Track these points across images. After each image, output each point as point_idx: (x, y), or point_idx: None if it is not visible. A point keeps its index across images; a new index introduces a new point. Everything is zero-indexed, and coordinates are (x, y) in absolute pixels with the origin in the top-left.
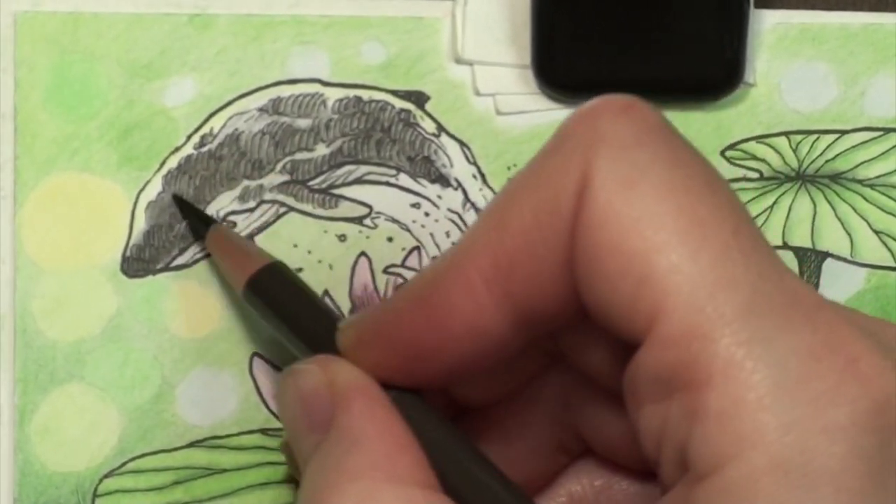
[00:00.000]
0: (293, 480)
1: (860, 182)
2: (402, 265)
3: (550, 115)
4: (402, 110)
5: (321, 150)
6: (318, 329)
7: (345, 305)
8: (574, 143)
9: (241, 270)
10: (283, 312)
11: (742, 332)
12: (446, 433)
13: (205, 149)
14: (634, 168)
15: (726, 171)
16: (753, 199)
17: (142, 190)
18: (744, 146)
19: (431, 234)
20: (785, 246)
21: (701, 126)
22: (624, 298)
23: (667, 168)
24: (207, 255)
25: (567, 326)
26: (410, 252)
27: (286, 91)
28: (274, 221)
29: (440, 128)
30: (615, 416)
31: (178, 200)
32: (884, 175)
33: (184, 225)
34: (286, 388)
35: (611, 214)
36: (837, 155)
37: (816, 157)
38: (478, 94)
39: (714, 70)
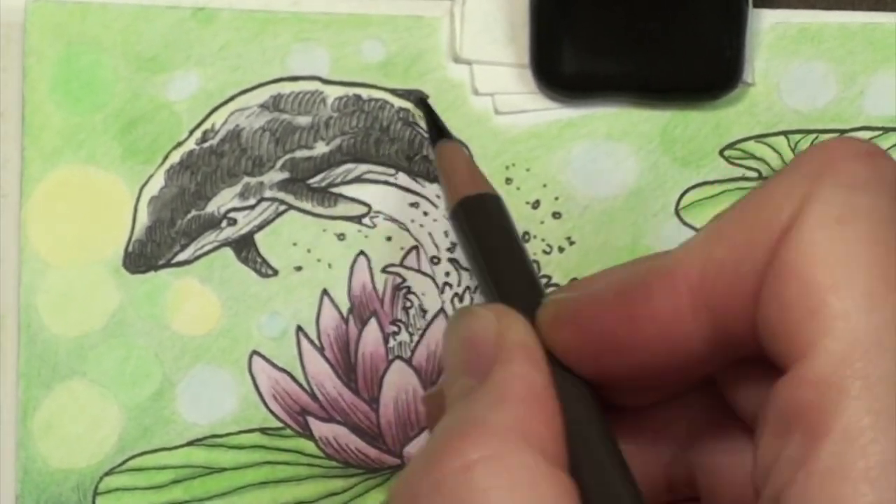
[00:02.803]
0: (292, 480)
1: None
2: (401, 264)
3: (549, 114)
4: (401, 109)
5: (321, 149)
6: (510, 275)
7: (343, 304)
8: (805, 169)
9: (455, 191)
10: (481, 244)
11: (878, 401)
12: (595, 420)
13: (206, 144)
14: (851, 209)
15: (725, 170)
16: None
17: (145, 184)
18: (743, 145)
19: (430, 234)
20: None
21: (700, 125)
22: (790, 324)
23: (882, 221)
24: (208, 252)
25: (748, 356)
26: (409, 251)
27: (287, 88)
28: (274, 219)
29: None
30: (735, 470)
31: (424, 105)
32: None
33: (185, 220)
34: (457, 326)
35: (811, 243)
36: None
37: None
38: (476, 93)
39: (713, 69)
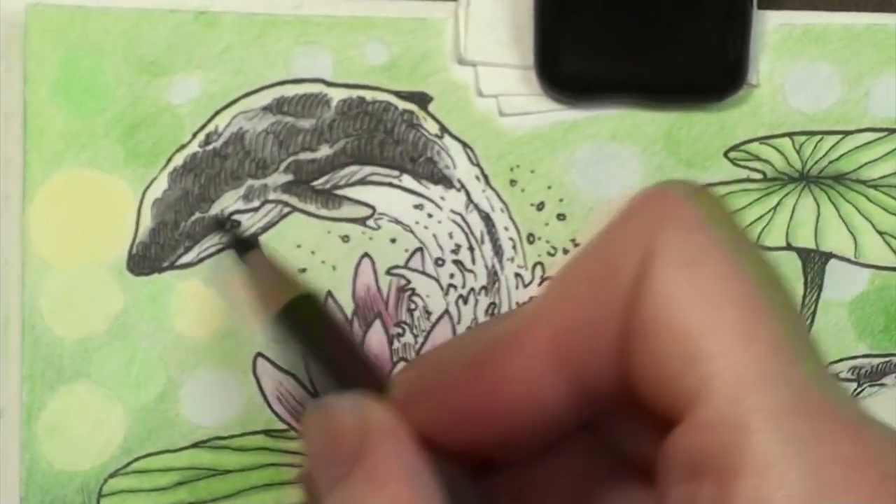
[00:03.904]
0: (295, 482)
1: (864, 183)
2: (405, 266)
3: (553, 116)
4: (406, 111)
5: (325, 151)
6: (350, 366)
7: (347, 306)
8: (640, 219)
9: (275, 298)
10: (313, 345)
11: (781, 430)
12: (470, 492)
13: (210, 147)
14: (698, 251)
15: (729, 172)
16: (757, 200)
17: (148, 187)
18: (747, 147)
19: (434, 236)
20: (789, 247)
21: (704, 127)
22: (669, 375)
23: (729, 255)
24: (212, 254)
25: (616, 407)
26: (413, 253)
27: (290, 91)
28: (278, 221)
29: (443, 129)
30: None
31: (220, 222)
32: (888, 176)
33: (189, 223)
34: (316, 418)
35: (669, 291)
36: (841, 156)
37: (820, 158)
38: (481, 95)
39: (717, 71)
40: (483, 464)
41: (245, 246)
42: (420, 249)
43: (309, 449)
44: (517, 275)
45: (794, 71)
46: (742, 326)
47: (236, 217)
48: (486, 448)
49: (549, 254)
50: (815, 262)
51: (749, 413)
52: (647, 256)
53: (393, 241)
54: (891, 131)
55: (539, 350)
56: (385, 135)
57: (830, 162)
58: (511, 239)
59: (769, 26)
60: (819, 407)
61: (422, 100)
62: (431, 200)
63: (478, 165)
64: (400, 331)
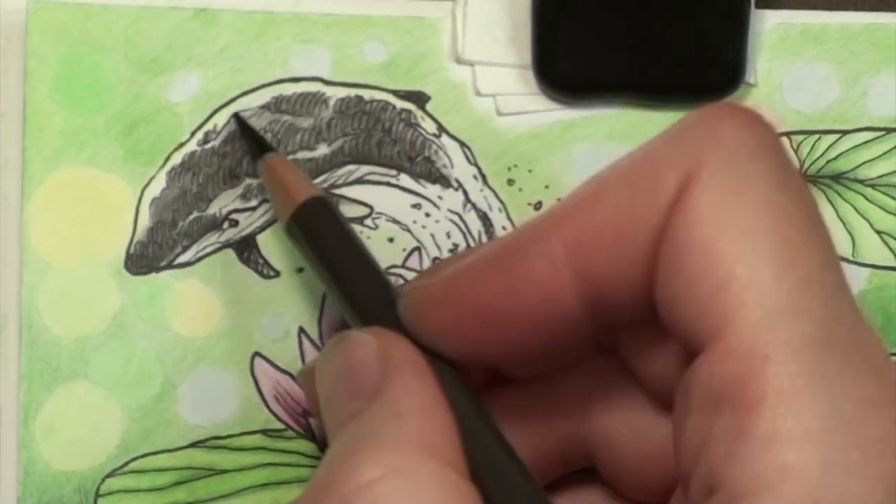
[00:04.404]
0: (294, 481)
1: (862, 182)
2: (403, 266)
3: (551, 115)
4: (403, 110)
5: (322, 150)
6: (358, 275)
7: None
8: (690, 138)
9: (286, 204)
10: (324, 254)
11: (805, 364)
12: (479, 417)
13: (208, 145)
14: (744, 178)
15: None
16: None
17: (146, 186)
18: None
19: (432, 235)
20: None
21: None
22: (698, 300)
23: (774, 187)
24: (210, 254)
25: (633, 322)
26: (411, 253)
27: (288, 89)
28: (276, 220)
29: (441, 128)
30: (633, 440)
31: (239, 120)
32: (886, 175)
33: (187, 222)
34: (334, 353)
35: (709, 215)
36: (839, 155)
37: (818, 158)
38: (478, 94)
39: (715, 70)
40: (493, 377)
41: (260, 148)
42: (418, 249)
43: (327, 381)
44: None
45: (792, 70)
46: (776, 259)
47: (234, 216)
48: (498, 355)
49: None
50: None
51: (773, 345)
52: (691, 177)
53: (390, 240)
54: (889, 130)
55: (563, 250)
56: (383, 134)
57: (828, 161)
58: None
59: (767, 25)
60: (845, 344)
61: (419, 99)
62: (429, 200)
63: (475, 165)
64: None
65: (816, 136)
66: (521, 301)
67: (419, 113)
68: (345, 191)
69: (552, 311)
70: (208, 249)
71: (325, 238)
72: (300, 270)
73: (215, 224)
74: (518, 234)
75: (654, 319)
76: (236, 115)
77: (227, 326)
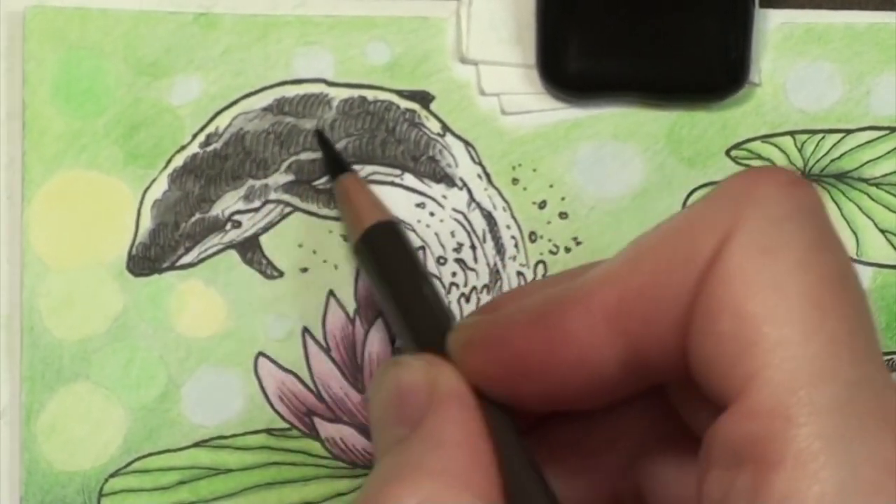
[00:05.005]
0: (298, 481)
1: (866, 181)
2: None
3: (555, 114)
4: (407, 110)
5: None
6: (418, 302)
7: (350, 305)
8: (728, 199)
9: (357, 225)
10: (387, 275)
11: (826, 427)
12: (524, 460)
13: (210, 148)
14: (778, 239)
15: (732, 170)
16: None
17: (148, 188)
18: (749, 146)
19: (436, 234)
20: None
21: (706, 126)
22: (725, 359)
23: (808, 249)
24: (213, 254)
25: (671, 382)
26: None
27: (291, 91)
28: (279, 221)
29: (445, 127)
30: (684, 482)
31: (320, 136)
32: (889, 174)
33: (189, 223)
34: (386, 377)
35: (740, 275)
36: (843, 154)
37: (822, 157)
38: (483, 93)
39: (719, 70)
40: (541, 415)
41: (339, 167)
42: (422, 248)
43: (376, 404)
44: (519, 273)
45: (796, 69)
46: (805, 320)
47: (237, 217)
48: (537, 402)
49: (552, 252)
50: None
51: (796, 407)
52: (727, 238)
53: None
54: (892, 130)
55: (603, 311)
56: (387, 134)
57: (832, 160)
58: (513, 237)
59: (771, 25)
60: (869, 407)
61: (423, 99)
62: (433, 199)
63: (480, 164)
64: None
65: (820, 135)
66: (560, 358)
67: (423, 113)
68: None
69: (590, 369)
70: (211, 250)
71: (390, 261)
72: (304, 270)
73: (218, 225)
74: (561, 289)
75: (690, 378)
76: (318, 132)
77: (231, 327)
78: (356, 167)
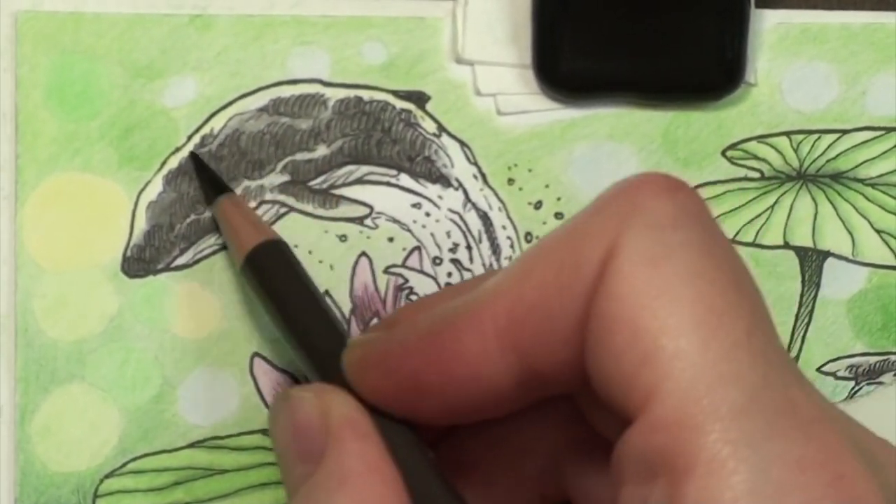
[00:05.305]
0: None
1: (862, 181)
2: (403, 265)
3: (551, 115)
4: (403, 110)
5: (322, 151)
6: (309, 321)
7: (345, 305)
8: (610, 211)
9: (241, 245)
10: (276, 296)
11: (732, 431)
12: (431, 476)
13: (205, 149)
14: (664, 248)
15: (727, 170)
16: (754, 198)
17: (142, 190)
18: (745, 146)
19: (432, 235)
20: (786, 245)
21: (702, 126)
22: (624, 374)
23: (696, 255)
24: (208, 255)
25: (568, 392)
26: (411, 252)
27: (287, 91)
28: (275, 222)
29: (441, 128)
30: (607, 484)
31: (195, 159)
32: (885, 174)
33: (184, 225)
34: (279, 413)
35: (630, 288)
36: (839, 154)
37: (818, 157)
38: (478, 94)
39: (715, 70)
40: (448, 428)
41: (216, 189)
42: (418, 248)
43: (275, 443)
44: None
45: (792, 69)
46: (700, 327)
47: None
48: (434, 417)
49: None
50: (812, 260)
51: (701, 414)
52: (612, 249)
53: (390, 240)
54: (888, 130)
55: (493, 327)
56: (382, 134)
57: (828, 160)
58: (509, 238)
59: (767, 25)
60: (774, 407)
61: (419, 99)
62: (429, 199)
63: (475, 164)
64: None
65: (816, 135)
66: (453, 375)
67: (419, 113)
68: (345, 191)
69: (484, 384)
70: (206, 251)
71: (277, 282)
72: None
73: (213, 226)
74: (451, 307)
75: (588, 387)
76: (192, 154)
77: (226, 327)
78: (352, 167)
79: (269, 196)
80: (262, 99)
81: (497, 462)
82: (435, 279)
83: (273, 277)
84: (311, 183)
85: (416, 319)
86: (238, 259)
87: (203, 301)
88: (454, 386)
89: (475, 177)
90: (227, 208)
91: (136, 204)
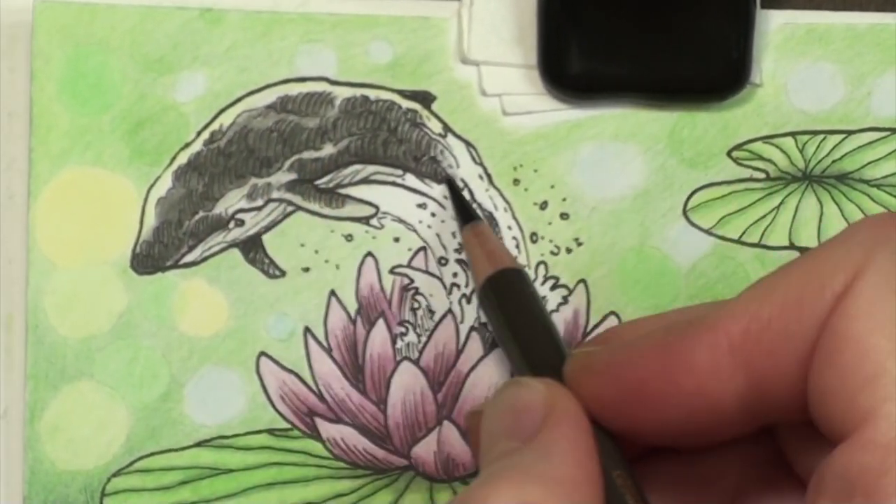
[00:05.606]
0: (300, 481)
1: (867, 182)
2: (409, 265)
3: (556, 115)
4: (409, 110)
5: (328, 150)
6: (540, 345)
7: (351, 305)
8: (857, 239)
9: (482, 270)
10: (509, 319)
11: None
12: (631, 486)
13: (214, 145)
14: None
15: (733, 171)
16: (760, 199)
17: (152, 185)
18: (750, 146)
19: (438, 235)
20: (791, 246)
21: (707, 126)
22: (847, 392)
23: None
24: (216, 253)
25: (782, 421)
26: (416, 252)
27: (294, 89)
28: (281, 220)
29: (446, 128)
30: None
31: (451, 185)
32: (890, 175)
33: (193, 221)
34: (505, 393)
35: (867, 309)
36: (844, 155)
37: (823, 158)
38: (484, 94)
39: (721, 70)
40: (646, 448)
41: (468, 216)
42: (423, 249)
43: (490, 420)
44: None
45: (798, 70)
46: None
47: (240, 216)
48: (649, 432)
49: (553, 253)
50: None
51: None
52: (857, 275)
53: (396, 240)
54: (893, 131)
55: (727, 343)
56: (388, 133)
57: (833, 161)
58: (514, 238)
59: (772, 25)
60: None
61: (425, 99)
62: (435, 199)
63: (481, 164)
64: (403, 330)
65: (821, 136)
66: (679, 387)
67: (425, 113)
68: (350, 190)
69: (708, 401)
70: (214, 249)
71: (514, 304)
72: (306, 270)
73: (221, 223)
74: (687, 319)
75: (806, 416)
76: (449, 181)
77: (233, 326)
78: (358, 166)
79: (276, 194)
80: (269, 96)
81: (678, 491)
82: (441, 279)
83: (508, 300)
84: (318, 182)
85: (649, 330)
86: (479, 280)
87: (210, 299)
88: (678, 398)
89: (480, 177)
90: (469, 239)
91: (145, 200)
